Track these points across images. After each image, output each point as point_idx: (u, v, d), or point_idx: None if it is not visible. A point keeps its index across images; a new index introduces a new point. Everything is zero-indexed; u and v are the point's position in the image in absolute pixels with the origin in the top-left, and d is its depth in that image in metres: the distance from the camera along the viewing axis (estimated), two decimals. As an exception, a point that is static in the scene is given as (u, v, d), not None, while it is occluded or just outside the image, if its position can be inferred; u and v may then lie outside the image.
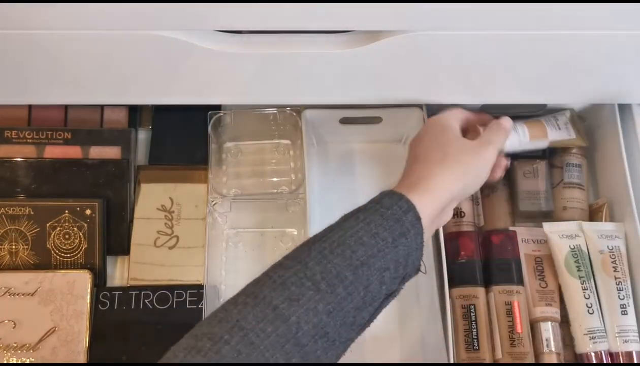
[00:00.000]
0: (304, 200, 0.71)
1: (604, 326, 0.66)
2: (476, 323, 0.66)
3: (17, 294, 0.68)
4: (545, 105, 0.73)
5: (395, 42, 0.57)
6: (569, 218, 0.72)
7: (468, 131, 0.65)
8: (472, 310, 0.67)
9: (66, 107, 0.78)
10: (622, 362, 0.65)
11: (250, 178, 0.77)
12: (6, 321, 0.67)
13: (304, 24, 0.54)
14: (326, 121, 0.75)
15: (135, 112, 0.79)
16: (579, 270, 0.68)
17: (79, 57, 0.59)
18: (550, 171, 0.74)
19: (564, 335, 0.67)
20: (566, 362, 0.66)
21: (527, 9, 0.52)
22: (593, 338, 0.65)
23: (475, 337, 0.66)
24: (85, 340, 0.67)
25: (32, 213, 0.71)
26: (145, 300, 0.69)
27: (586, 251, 0.69)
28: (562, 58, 0.60)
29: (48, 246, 0.71)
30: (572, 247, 0.69)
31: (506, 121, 0.64)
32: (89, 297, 0.69)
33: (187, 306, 0.69)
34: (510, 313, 0.66)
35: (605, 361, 0.65)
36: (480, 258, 0.69)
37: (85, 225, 0.71)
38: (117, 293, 0.70)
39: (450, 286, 0.67)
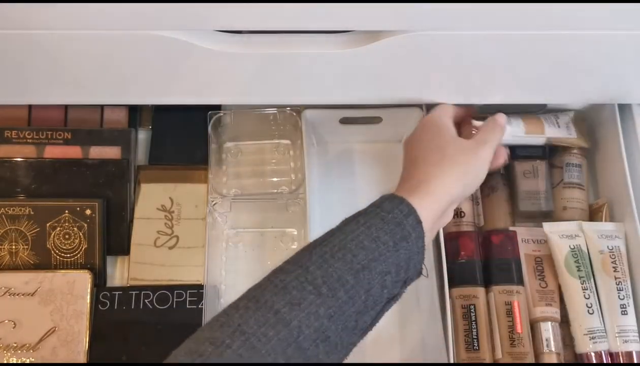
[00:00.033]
0: (304, 200, 0.71)
1: (604, 326, 0.66)
2: (476, 323, 0.66)
3: (17, 294, 0.68)
4: (545, 105, 0.73)
5: (395, 42, 0.56)
6: (569, 218, 0.72)
7: (459, 127, 0.65)
8: (472, 310, 0.67)
9: (66, 107, 0.78)
10: (622, 362, 0.65)
11: (250, 178, 0.77)
12: (6, 321, 0.67)
13: (304, 24, 0.54)
14: (326, 121, 0.75)
15: (135, 112, 0.79)
16: (579, 270, 0.68)
17: (79, 57, 0.59)
18: (550, 171, 0.74)
19: (564, 335, 0.67)
20: (566, 362, 0.66)
21: (527, 9, 0.52)
22: (593, 338, 0.65)
23: (475, 337, 0.66)
24: (85, 340, 0.67)
25: (32, 213, 0.71)
26: (145, 300, 0.69)
27: (586, 251, 0.69)
28: (562, 58, 0.60)
29: (48, 246, 0.71)
30: (572, 247, 0.69)
31: (500, 117, 0.64)
32: (89, 297, 0.69)
33: (187, 306, 0.69)
34: (510, 313, 0.66)
35: (605, 361, 0.65)
36: (480, 258, 0.69)
37: (85, 225, 0.71)
38: (117, 293, 0.70)
39: (450, 286, 0.67)
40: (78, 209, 0.72)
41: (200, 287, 0.70)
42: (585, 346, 0.65)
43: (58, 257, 0.71)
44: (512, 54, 0.59)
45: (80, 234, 0.71)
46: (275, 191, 0.76)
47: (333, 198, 0.75)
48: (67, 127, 0.77)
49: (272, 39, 0.58)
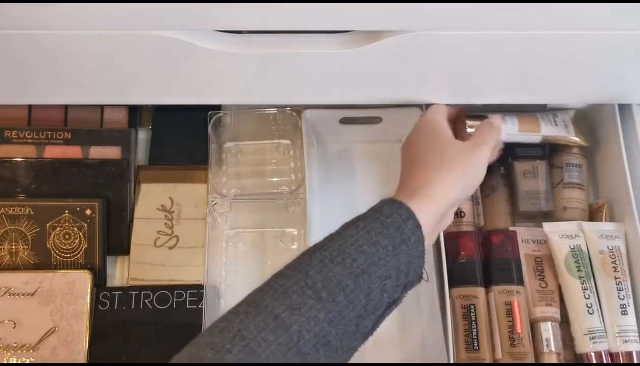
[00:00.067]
0: (304, 200, 0.71)
1: (604, 326, 0.66)
2: (476, 323, 0.66)
3: (17, 294, 0.68)
4: (545, 105, 0.73)
5: (395, 42, 0.56)
6: (569, 218, 0.72)
7: (453, 126, 0.65)
8: (472, 310, 0.67)
9: (66, 107, 0.78)
10: (622, 362, 0.65)
11: (250, 178, 0.77)
12: (6, 321, 0.67)
13: (304, 24, 0.54)
14: (326, 121, 0.75)
15: (135, 112, 0.79)
16: (579, 270, 0.68)
17: (79, 57, 0.59)
18: (550, 171, 0.74)
19: (564, 335, 0.67)
20: (566, 362, 0.66)
21: (527, 9, 0.52)
22: (593, 338, 0.65)
23: (475, 337, 0.66)
24: (85, 340, 0.67)
25: (32, 213, 0.71)
26: (145, 300, 0.69)
27: (586, 251, 0.69)
28: (562, 58, 0.60)
29: (48, 246, 0.71)
30: (572, 247, 0.69)
31: (496, 119, 0.64)
32: (89, 297, 0.69)
33: (187, 306, 0.69)
34: (510, 313, 0.66)
35: (605, 361, 0.65)
36: (480, 258, 0.69)
37: (85, 225, 0.71)
38: (117, 293, 0.70)
39: (450, 286, 0.67)
40: (78, 209, 0.72)
41: (200, 287, 0.70)
42: (585, 346, 0.65)
43: (58, 257, 0.71)
44: (512, 54, 0.59)
45: (80, 234, 0.71)
46: (275, 191, 0.76)
47: (333, 197, 0.75)
48: (67, 127, 0.77)
49: (272, 39, 0.58)
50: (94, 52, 0.58)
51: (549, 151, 0.74)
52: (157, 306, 0.69)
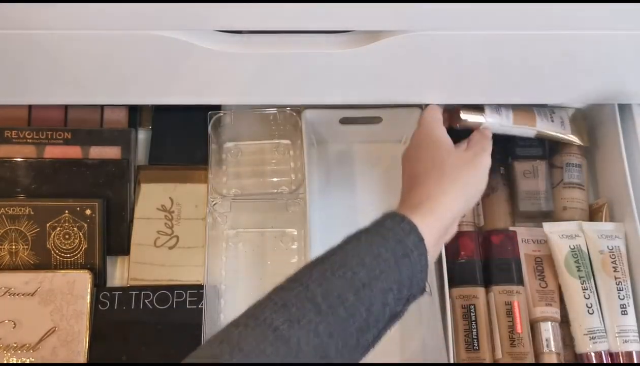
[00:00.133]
0: (304, 200, 0.71)
1: (604, 326, 0.66)
2: (476, 323, 0.66)
3: (17, 294, 0.68)
4: (545, 105, 0.73)
5: (395, 42, 0.56)
6: (569, 218, 0.72)
7: (448, 124, 0.66)
8: (472, 310, 0.67)
9: (66, 107, 0.78)
10: (622, 362, 0.65)
11: (250, 178, 0.77)
12: (6, 321, 0.67)
13: (304, 24, 0.54)
14: (326, 121, 0.75)
15: (135, 112, 0.79)
16: (579, 270, 0.68)
17: (79, 57, 0.59)
18: (550, 171, 0.74)
19: (564, 335, 0.67)
20: (566, 362, 0.66)
21: (527, 9, 0.52)
22: (593, 338, 0.65)
23: (475, 337, 0.66)
24: (85, 340, 0.67)
25: (32, 213, 0.71)
26: (145, 300, 0.69)
27: (586, 251, 0.69)
28: (562, 58, 0.60)
29: (48, 246, 0.71)
30: (572, 247, 0.69)
31: (484, 129, 0.65)
32: (89, 297, 0.69)
33: (187, 306, 0.69)
34: (510, 313, 0.66)
35: (605, 361, 0.65)
36: (480, 258, 0.69)
37: (85, 225, 0.71)
38: (117, 293, 0.70)
39: (450, 286, 0.67)
40: (78, 209, 0.72)
41: (200, 287, 0.70)
42: (585, 346, 0.65)
43: (58, 257, 0.71)
44: (512, 54, 0.59)
45: (80, 234, 0.71)
46: (275, 191, 0.76)
47: (333, 197, 0.75)
48: (67, 127, 0.77)
49: (272, 39, 0.58)
50: (94, 52, 0.58)
51: (549, 151, 0.74)
52: (157, 306, 0.69)
